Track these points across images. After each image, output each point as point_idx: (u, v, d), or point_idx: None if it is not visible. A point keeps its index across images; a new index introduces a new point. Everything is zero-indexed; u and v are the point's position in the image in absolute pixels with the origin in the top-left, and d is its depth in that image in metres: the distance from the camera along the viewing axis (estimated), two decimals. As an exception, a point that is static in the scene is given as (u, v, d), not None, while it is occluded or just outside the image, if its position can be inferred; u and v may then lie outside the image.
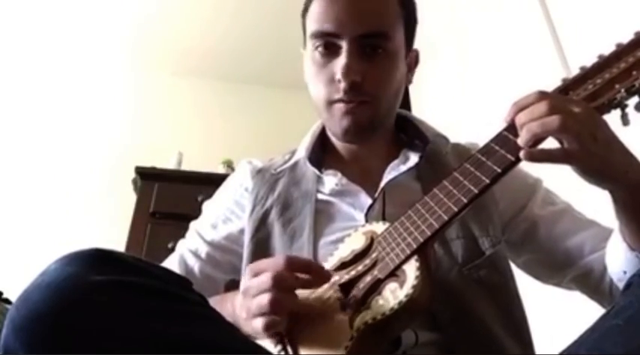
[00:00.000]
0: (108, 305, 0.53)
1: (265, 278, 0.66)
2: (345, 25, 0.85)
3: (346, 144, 0.97)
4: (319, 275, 0.69)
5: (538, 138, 0.62)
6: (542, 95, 0.63)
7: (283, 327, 0.67)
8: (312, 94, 0.92)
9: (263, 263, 0.70)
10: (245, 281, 0.70)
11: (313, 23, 0.88)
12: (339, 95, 0.86)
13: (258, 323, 0.65)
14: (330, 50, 0.87)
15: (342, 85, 0.85)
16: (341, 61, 0.84)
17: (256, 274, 0.68)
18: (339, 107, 0.87)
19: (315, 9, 0.89)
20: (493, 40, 1.99)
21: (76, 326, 0.51)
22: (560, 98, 0.65)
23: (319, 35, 0.87)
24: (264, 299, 0.65)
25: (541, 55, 1.61)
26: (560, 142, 0.62)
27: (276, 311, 0.65)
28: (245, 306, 0.68)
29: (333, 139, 0.99)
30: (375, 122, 0.90)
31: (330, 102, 0.88)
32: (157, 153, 2.75)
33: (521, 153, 0.62)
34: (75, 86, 3.23)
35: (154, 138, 3.10)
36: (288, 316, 0.66)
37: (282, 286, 0.66)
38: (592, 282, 0.84)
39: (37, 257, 0.97)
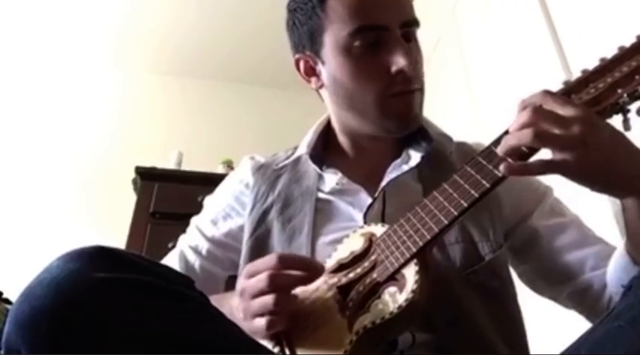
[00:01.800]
0: (110, 303, 0.53)
1: (262, 278, 0.66)
2: (391, 15, 0.84)
3: (353, 143, 0.96)
4: (312, 270, 0.70)
5: (515, 150, 0.60)
6: (536, 98, 0.61)
7: (284, 326, 0.67)
8: (352, 94, 0.87)
9: (256, 264, 0.70)
10: (241, 283, 0.70)
11: (350, 19, 0.83)
12: (399, 87, 0.84)
13: (261, 322, 0.66)
14: (374, 44, 0.84)
15: (404, 76, 0.83)
16: (399, 52, 0.82)
17: (251, 275, 0.69)
18: (399, 99, 0.85)
19: (346, 4, 0.84)
20: (493, 41, 1.99)
21: (77, 323, 0.51)
22: (553, 103, 0.61)
23: (364, 30, 0.83)
24: (267, 299, 0.65)
25: (541, 55, 1.61)
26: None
27: (277, 310, 0.65)
28: (242, 307, 0.69)
29: (340, 137, 0.98)
30: (422, 108, 0.91)
31: (386, 97, 0.85)
32: (156, 153, 2.74)
33: (501, 167, 0.60)
34: (76, 86, 3.23)
35: (154, 138, 3.09)
36: (289, 315, 0.67)
37: (279, 285, 0.66)
38: (589, 300, 0.82)
39: (37, 257, 0.96)
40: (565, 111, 0.59)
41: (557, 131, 0.57)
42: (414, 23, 0.87)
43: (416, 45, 0.88)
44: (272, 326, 0.66)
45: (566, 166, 0.58)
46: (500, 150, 0.62)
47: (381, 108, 0.86)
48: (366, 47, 0.84)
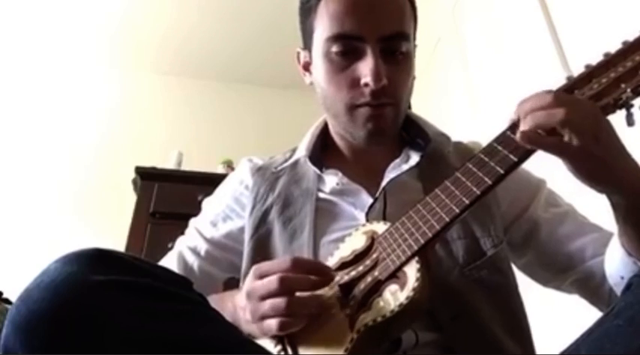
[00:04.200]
0: (108, 305, 0.52)
1: (272, 280, 0.66)
2: (370, 27, 0.83)
3: (349, 144, 0.96)
4: (325, 277, 0.69)
5: (540, 128, 0.61)
6: (548, 91, 0.63)
7: (298, 327, 0.67)
8: (327, 97, 0.89)
9: (267, 265, 0.70)
10: (250, 283, 0.69)
11: (330, 25, 0.85)
12: (365, 99, 0.84)
13: (271, 323, 0.66)
14: (349, 52, 0.84)
15: (369, 89, 0.83)
16: (368, 65, 0.82)
17: (261, 276, 0.68)
18: (364, 111, 0.85)
19: (330, 9, 0.85)
20: (493, 41, 1.99)
21: (75, 326, 0.50)
22: (567, 95, 0.64)
23: (341, 38, 0.84)
24: (278, 301, 0.65)
25: (541, 55, 1.61)
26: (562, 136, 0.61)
27: (293, 313, 0.65)
28: (250, 309, 0.68)
29: (336, 138, 0.98)
30: (397, 124, 0.90)
31: (353, 106, 0.86)
32: (157, 153, 2.74)
33: (518, 134, 0.62)
34: (76, 86, 3.23)
35: (154, 138, 3.10)
36: (303, 317, 0.66)
37: (289, 288, 0.66)
38: (592, 286, 0.84)
39: (37, 257, 0.96)
40: (580, 104, 0.61)
41: (579, 120, 0.59)
42: (398, 37, 0.85)
43: (403, 59, 0.86)
44: (284, 327, 0.66)
45: (575, 154, 0.60)
46: (525, 125, 0.62)
47: (350, 116, 0.87)
48: (341, 55, 0.85)
